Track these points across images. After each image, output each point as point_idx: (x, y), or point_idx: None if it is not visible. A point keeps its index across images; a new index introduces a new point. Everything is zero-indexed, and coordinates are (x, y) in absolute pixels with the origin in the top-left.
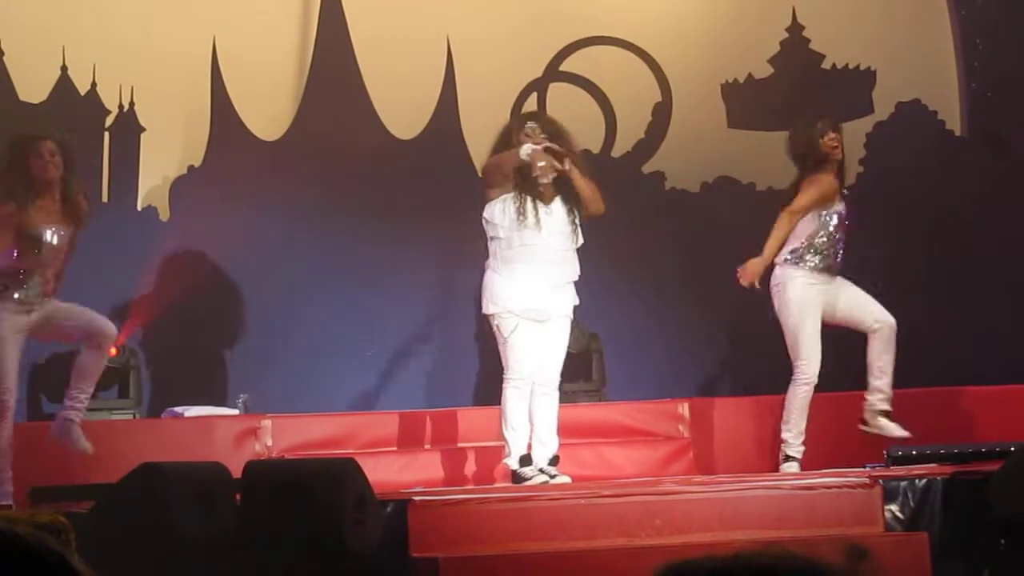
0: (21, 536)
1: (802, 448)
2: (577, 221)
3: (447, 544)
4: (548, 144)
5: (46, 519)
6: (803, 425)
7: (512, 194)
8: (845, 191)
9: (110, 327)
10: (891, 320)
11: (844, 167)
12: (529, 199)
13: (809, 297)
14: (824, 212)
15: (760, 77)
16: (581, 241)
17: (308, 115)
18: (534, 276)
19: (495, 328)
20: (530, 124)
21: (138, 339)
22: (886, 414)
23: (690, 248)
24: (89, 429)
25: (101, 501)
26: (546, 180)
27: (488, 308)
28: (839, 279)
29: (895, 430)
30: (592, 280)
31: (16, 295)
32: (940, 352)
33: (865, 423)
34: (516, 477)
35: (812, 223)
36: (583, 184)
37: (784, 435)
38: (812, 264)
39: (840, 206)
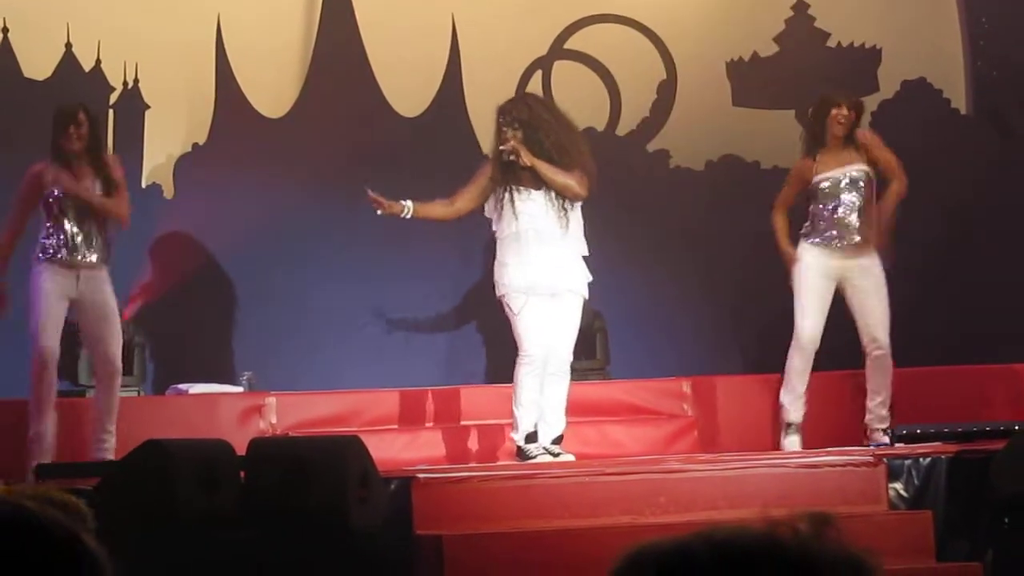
0: (29, 510)
1: (802, 411)
2: (565, 205)
3: (451, 521)
4: (503, 148)
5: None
6: (800, 389)
7: (499, 185)
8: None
9: (118, 368)
10: (880, 343)
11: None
12: (511, 189)
13: (814, 267)
14: (812, 187)
15: (765, 55)
16: (577, 223)
17: (313, 92)
18: (531, 257)
19: (507, 309)
20: (500, 119)
21: (142, 317)
22: (886, 431)
23: (694, 226)
24: (93, 407)
25: (106, 478)
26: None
27: (498, 291)
28: (865, 261)
29: (884, 440)
30: (596, 258)
31: (59, 255)
32: (945, 330)
33: (868, 438)
34: (521, 453)
35: (810, 199)
36: (549, 175)
37: (781, 399)
38: (815, 237)
39: (832, 172)
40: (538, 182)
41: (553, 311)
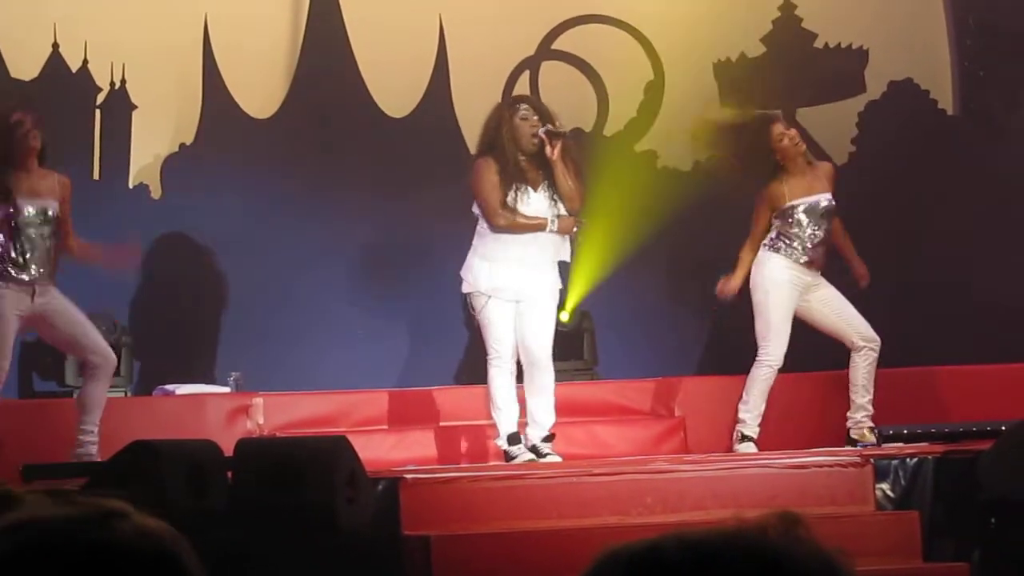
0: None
1: (758, 429)
2: (559, 210)
3: (439, 522)
4: (549, 128)
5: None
6: (762, 407)
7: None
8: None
9: (112, 357)
10: (877, 339)
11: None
12: (513, 187)
13: (782, 280)
14: (785, 208)
15: (753, 56)
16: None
17: (300, 93)
18: (511, 258)
19: (474, 307)
20: (524, 106)
21: (129, 317)
22: (871, 430)
23: (682, 226)
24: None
25: (93, 478)
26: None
27: (464, 287)
28: (821, 278)
29: (874, 441)
30: (583, 259)
31: (14, 272)
32: (931, 330)
33: (853, 442)
34: (506, 456)
35: (779, 218)
36: (563, 179)
37: (742, 415)
38: (788, 253)
39: (808, 198)
40: (536, 183)
41: (520, 315)
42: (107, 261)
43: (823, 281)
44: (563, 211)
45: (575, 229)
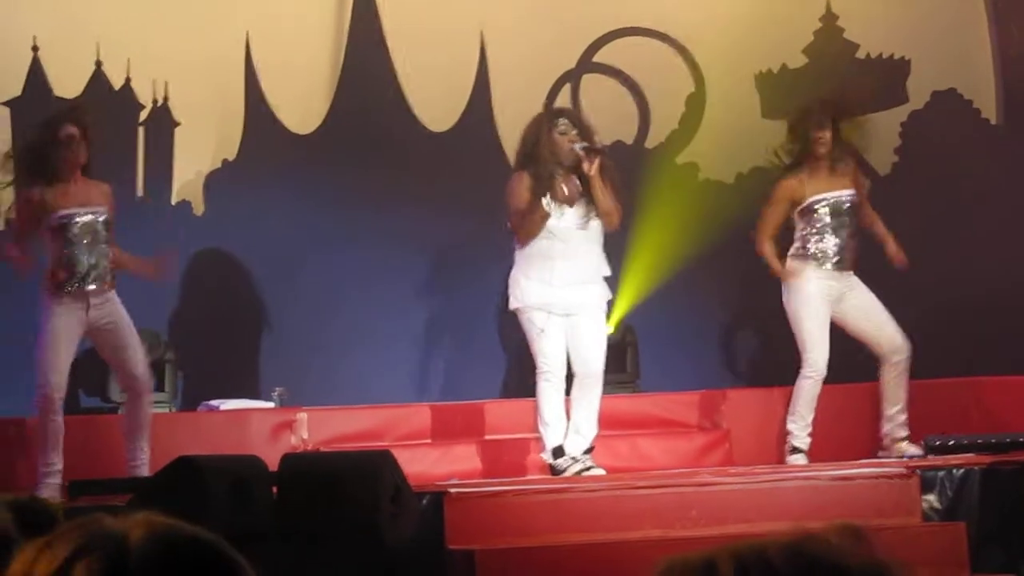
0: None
1: (808, 440)
2: (596, 226)
3: (483, 536)
4: (586, 145)
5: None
6: (810, 418)
7: (534, 200)
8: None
9: (147, 382)
10: (908, 348)
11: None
12: (550, 201)
13: (812, 292)
14: (806, 205)
15: (794, 67)
16: (601, 241)
17: (341, 108)
18: (555, 273)
19: (524, 323)
20: (563, 121)
21: (174, 333)
22: (904, 439)
23: (724, 239)
24: (123, 423)
25: (138, 494)
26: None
27: (513, 304)
28: (853, 279)
29: (914, 450)
30: (626, 271)
31: (67, 286)
32: (978, 340)
33: (886, 450)
34: (553, 470)
35: (802, 219)
36: (600, 195)
37: (790, 426)
38: (817, 260)
39: (829, 194)
40: (571, 199)
41: (572, 328)
42: (145, 271)
43: (856, 283)
44: (598, 227)
45: (591, 171)
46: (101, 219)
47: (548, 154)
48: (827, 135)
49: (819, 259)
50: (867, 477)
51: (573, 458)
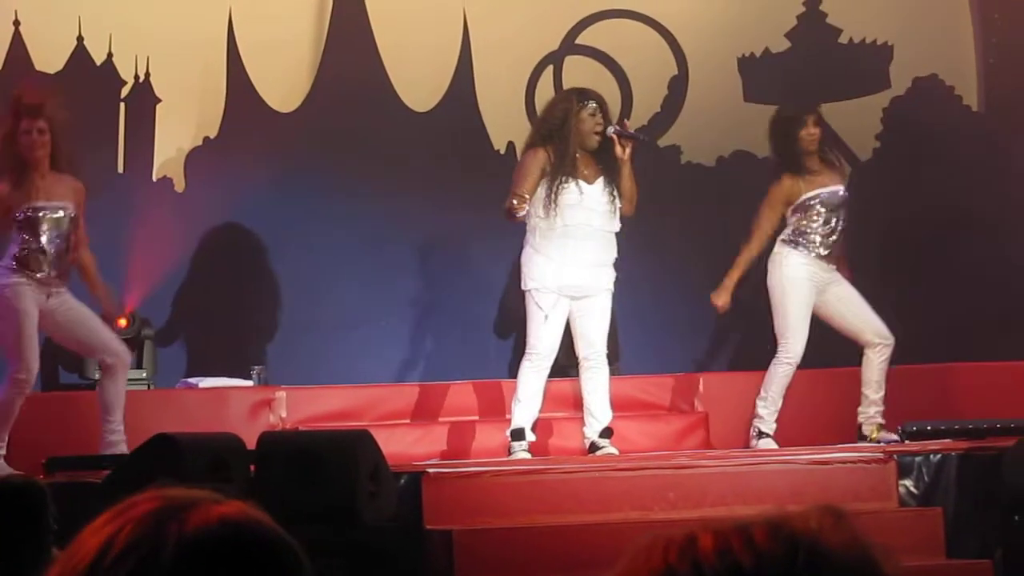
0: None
1: (775, 425)
2: (617, 204)
3: (461, 516)
4: (619, 129)
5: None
6: (780, 403)
7: (549, 175)
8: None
9: (125, 354)
10: (892, 337)
11: (826, 151)
12: (570, 180)
13: (800, 277)
14: (800, 202)
15: (777, 51)
16: (618, 226)
17: (324, 87)
18: (572, 254)
19: (533, 303)
20: (592, 103)
21: (153, 310)
22: (882, 426)
23: (706, 222)
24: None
25: (115, 471)
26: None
27: (527, 284)
28: (837, 274)
29: (892, 437)
30: None
31: (32, 270)
32: (957, 326)
33: (864, 437)
34: (509, 449)
35: (799, 212)
36: (628, 181)
37: (760, 411)
38: (806, 248)
39: (824, 189)
40: (591, 178)
41: (580, 310)
42: (97, 293)
43: (839, 277)
44: (618, 208)
45: (625, 155)
46: (67, 216)
47: (575, 134)
48: (812, 130)
49: (808, 246)
50: (844, 462)
51: (591, 443)
